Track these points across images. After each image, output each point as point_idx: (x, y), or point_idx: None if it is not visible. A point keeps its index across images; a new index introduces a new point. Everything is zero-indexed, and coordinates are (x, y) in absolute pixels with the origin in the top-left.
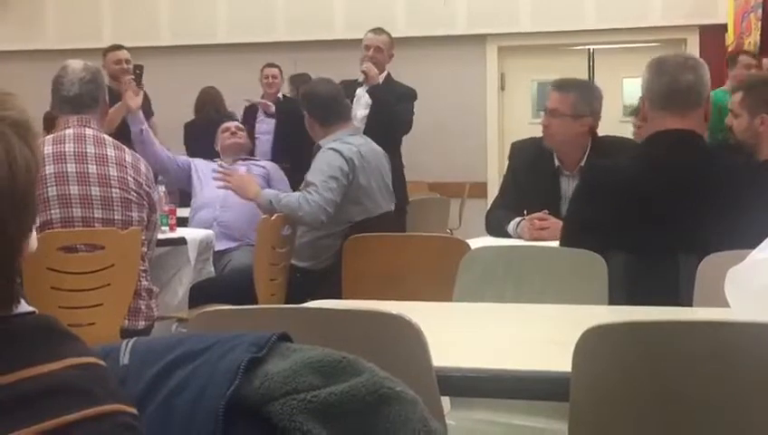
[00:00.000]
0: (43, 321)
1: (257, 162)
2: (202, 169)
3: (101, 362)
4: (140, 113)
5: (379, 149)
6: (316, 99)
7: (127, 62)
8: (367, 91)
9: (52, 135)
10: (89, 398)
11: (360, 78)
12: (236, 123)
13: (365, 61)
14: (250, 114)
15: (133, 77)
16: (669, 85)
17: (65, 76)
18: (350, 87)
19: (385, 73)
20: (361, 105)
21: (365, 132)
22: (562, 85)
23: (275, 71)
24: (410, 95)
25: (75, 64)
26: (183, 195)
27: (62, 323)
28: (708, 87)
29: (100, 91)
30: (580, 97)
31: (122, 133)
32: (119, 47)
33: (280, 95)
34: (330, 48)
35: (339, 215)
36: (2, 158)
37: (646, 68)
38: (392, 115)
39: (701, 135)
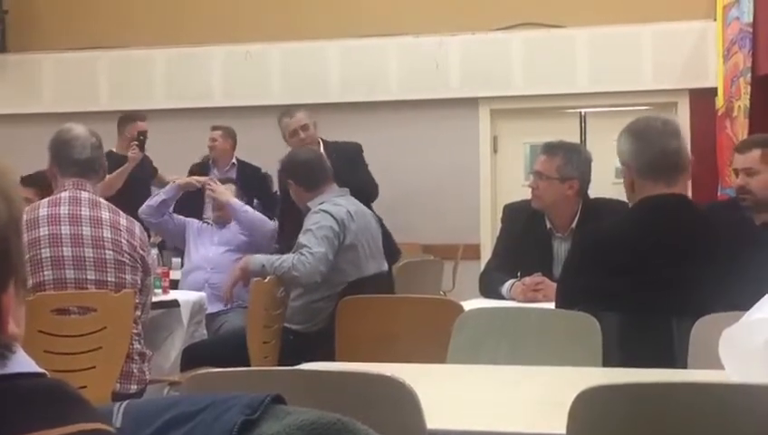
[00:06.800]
0: (54, 384)
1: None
2: (195, 230)
3: (111, 428)
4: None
5: (367, 209)
6: (299, 166)
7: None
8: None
9: (47, 198)
10: None
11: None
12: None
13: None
14: (201, 174)
15: (137, 142)
16: (660, 154)
17: (77, 139)
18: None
19: (321, 145)
20: None
21: None
22: (550, 148)
23: (216, 133)
24: (357, 152)
25: (81, 129)
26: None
27: (73, 386)
28: (688, 148)
29: (103, 157)
30: (567, 160)
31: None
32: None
33: (234, 160)
34: (324, 111)
35: (333, 276)
36: None
37: (624, 136)
38: (358, 186)
39: (689, 198)
